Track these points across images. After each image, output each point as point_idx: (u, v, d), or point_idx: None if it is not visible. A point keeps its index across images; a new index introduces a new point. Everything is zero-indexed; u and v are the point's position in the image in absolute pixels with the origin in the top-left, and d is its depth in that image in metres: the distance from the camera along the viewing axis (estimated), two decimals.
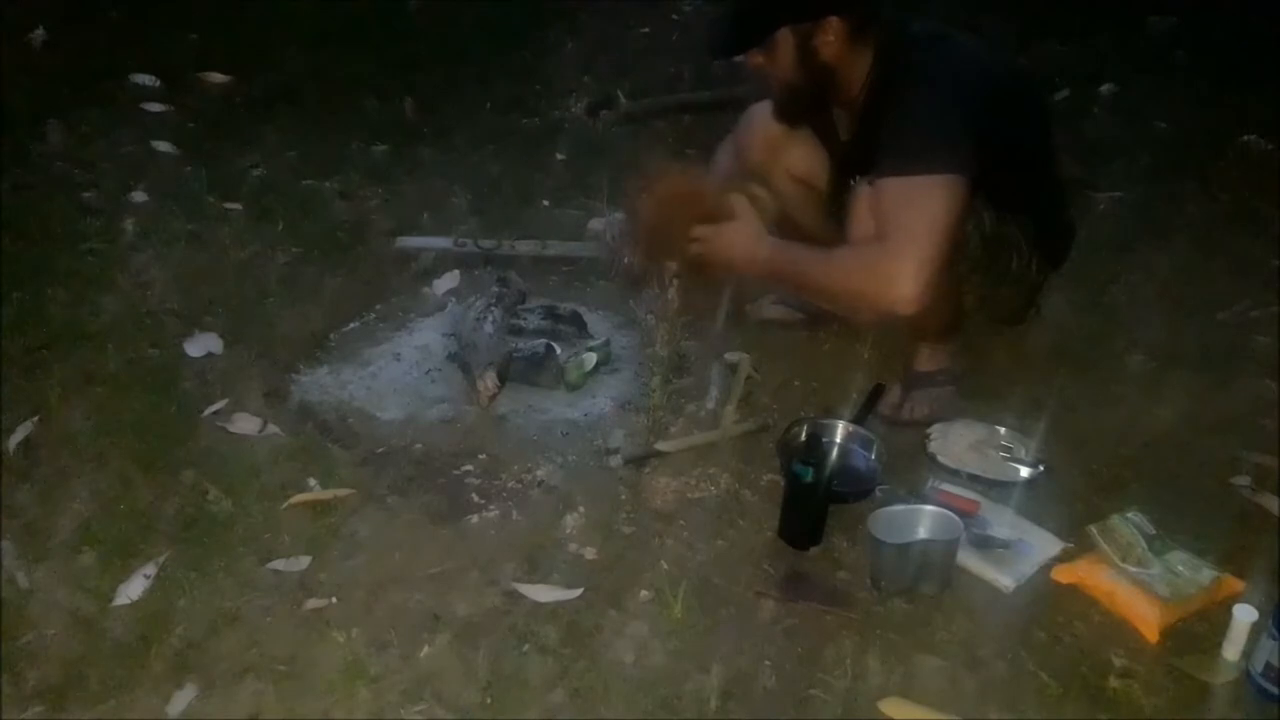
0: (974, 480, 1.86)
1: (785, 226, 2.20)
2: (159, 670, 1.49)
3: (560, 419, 2.03)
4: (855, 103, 1.85)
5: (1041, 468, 1.89)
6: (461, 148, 3.11)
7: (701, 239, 1.92)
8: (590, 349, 2.17)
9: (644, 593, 1.63)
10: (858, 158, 1.87)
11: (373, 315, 2.34)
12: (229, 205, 2.72)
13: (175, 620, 1.56)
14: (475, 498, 1.82)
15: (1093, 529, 1.71)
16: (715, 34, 1.89)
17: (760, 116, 2.02)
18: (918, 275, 1.65)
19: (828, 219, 2.09)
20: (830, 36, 1.76)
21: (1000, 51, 1.85)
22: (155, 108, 3.21)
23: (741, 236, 1.90)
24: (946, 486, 1.83)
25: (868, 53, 1.79)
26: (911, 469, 1.90)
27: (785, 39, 1.77)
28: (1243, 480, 1.88)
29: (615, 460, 1.90)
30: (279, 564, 1.66)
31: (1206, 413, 2.04)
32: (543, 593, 1.62)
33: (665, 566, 1.68)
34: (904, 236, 1.67)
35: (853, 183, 1.91)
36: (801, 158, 2.02)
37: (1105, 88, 3.50)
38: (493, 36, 3.81)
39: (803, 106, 1.91)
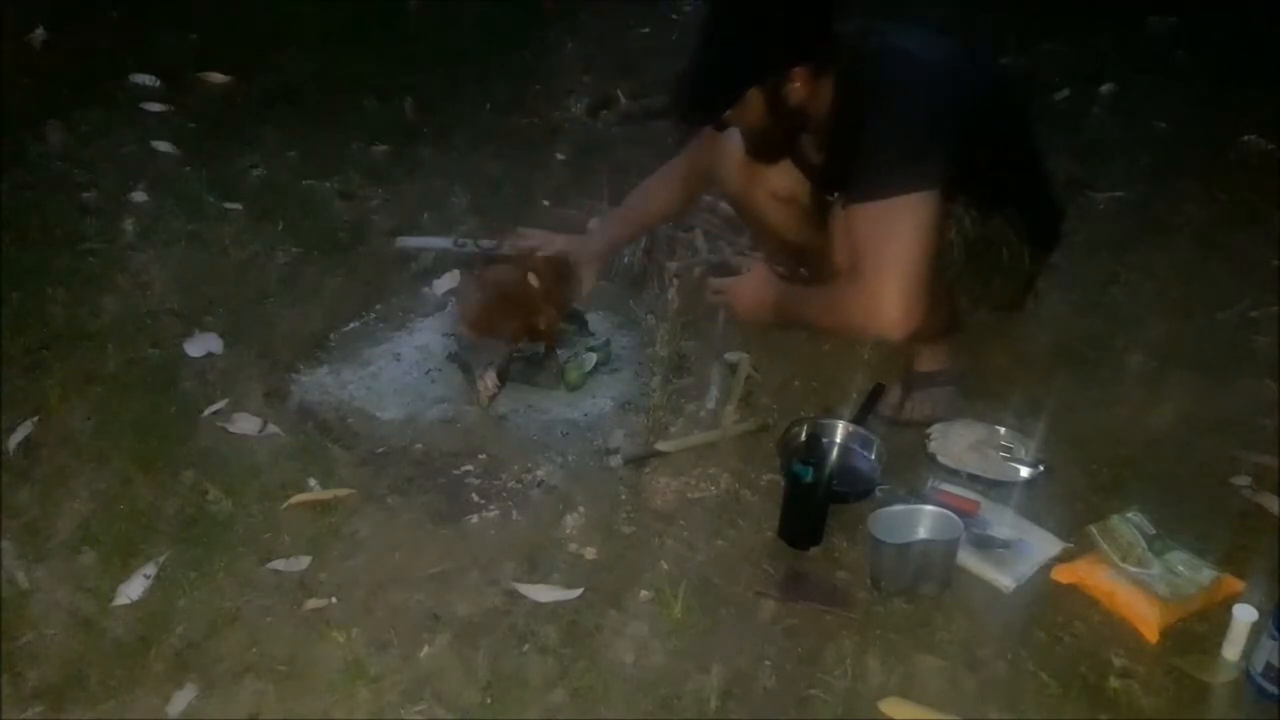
0: (974, 480, 1.86)
1: (778, 246, 2.20)
2: (159, 670, 1.49)
3: (560, 419, 2.03)
4: (822, 128, 1.84)
5: (1041, 468, 1.89)
6: (461, 148, 3.10)
7: (720, 291, 2.04)
8: (590, 349, 2.17)
9: (644, 593, 1.63)
10: (833, 177, 1.88)
11: (373, 315, 2.34)
12: (229, 205, 2.71)
13: (175, 620, 1.56)
14: (475, 498, 1.82)
15: (1093, 529, 1.71)
16: (682, 101, 1.89)
17: (734, 145, 1.98)
18: (901, 301, 1.67)
19: (818, 233, 2.09)
20: (797, 83, 1.75)
21: (959, 44, 1.83)
22: (155, 108, 3.20)
23: (751, 287, 1.98)
24: (946, 486, 1.83)
25: (830, 80, 1.78)
26: (911, 469, 1.90)
27: (754, 95, 1.76)
28: (1243, 480, 1.88)
29: (615, 460, 1.90)
30: (279, 564, 1.67)
31: (1206, 413, 2.04)
32: (543, 593, 1.62)
33: (665, 566, 1.68)
34: (881, 266, 1.69)
35: (830, 199, 1.92)
36: (781, 177, 2.00)
37: (1105, 88, 3.49)
38: (493, 36, 3.80)
39: (776, 147, 1.90)
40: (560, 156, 3.08)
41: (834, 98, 1.78)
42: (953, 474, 1.87)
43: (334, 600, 1.61)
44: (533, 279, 2.06)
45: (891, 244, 1.69)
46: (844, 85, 1.77)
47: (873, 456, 1.89)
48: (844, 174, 1.77)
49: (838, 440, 1.90)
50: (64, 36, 3.57)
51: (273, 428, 1.97)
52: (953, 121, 1.71)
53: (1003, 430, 1.96)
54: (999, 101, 1.88)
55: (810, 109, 1.79)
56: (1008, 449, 1.93)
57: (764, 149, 1.90)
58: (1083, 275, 2.42)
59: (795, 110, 1.78)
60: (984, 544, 1.70)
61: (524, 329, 2.08)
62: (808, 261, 2.21)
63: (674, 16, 4.04)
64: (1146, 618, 1.58)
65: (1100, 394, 2.10)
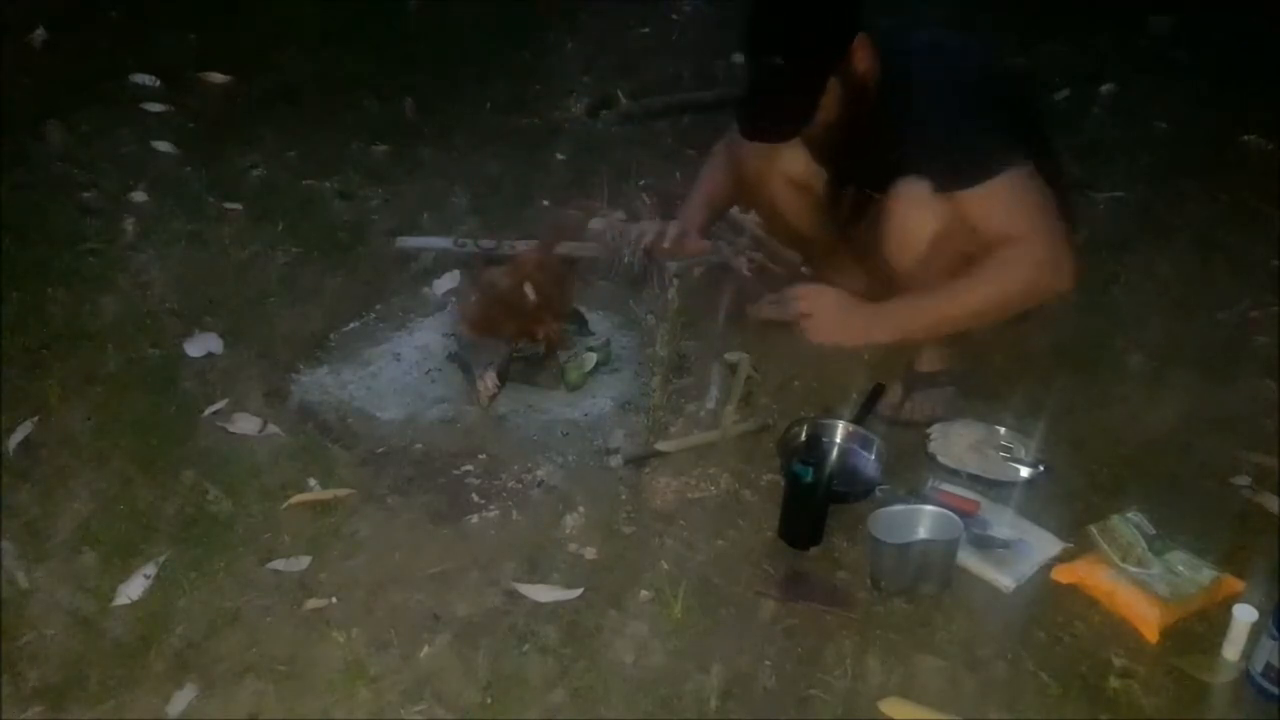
0: (974, 480, 1.86)
1: (783, 232, 2.20)
2: (159, 670, 1.49)
3: (560, 419, 2.03)
4: (853, 122, 1.83)
5: (1041, 468, 1.89)
6: (461, 148, 3.10)
7: (806, 331, 1.90)
8: (590, 349, 2.17)
9: (644, 593, 1.63)
10: (869, 164, 1.88)
11: (373, 315, 2.34)
12: (229, 205, 2.71)
13: (175, 620, 1.56)
14: (475, 498, 1.82)
15: (1093, 529, 1.71)
16: (767, 121, 1.84)
17: None
18: (1065, 250, 1.77)
19: (826, 221, 2.09)
20: (862, 52, 1.76)
21: (986, 48, 1.89)
22: (155, 108, 3.20)
23: (831, 314, 1.89)
24: (946, 486, 1.83)
25: (868, 74, 1.80)
26: (911, 469, 1.90)
27: (833, 86, 1.77)
28: (1243, 480, 1.89)
29: (615, 460, 1.90)
30: (279, 564, 1.67)
31: (1206, 413, 2.04)
32: (543, 592, 1.62)
33: (665, 566, 1.68)
34: (1028, 230, 1.74)
35: (846, 192, 1.92)
36: (796, 161, 2.01)
37: (1105, 88, 3.49)
38: (493, 36, 3.80)
39: (842, 138, 1.86)
40: (560, 156, 3.08)
41: (879, 82, 1.79)
42: (953, 474, 1.87)
43: (334, 600, 1.61)
44: (529, 289, 2.06)
45: (1024, 212, 1.75)
46: (891, 70, 1.78)
47: (873, 456, 1.89)
48: (880, 161, 1.79)
49: (838, 440, 1.90)
50: (64, 36, 3.57)
51: (273, 428, 1.97)
52: (1005, 111, 1.79)
53: (1003, 430, 1.96)
54: (1024, 98, 1.95)
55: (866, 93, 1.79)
56: (1008, 449, 1.92)
57: (831, 144, 1.88)
58: (1083, 275, 2.42)
59: (863, 89, 1.78)
60: (984, 544, 1.70)
61: (524, 329, 2.09)
62: (811, 253, 2.21)
63: (674, 16, 4.05)
64: (1146, 618, 1.58)
65: (1100, 394, 2.10)
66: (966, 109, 1.76)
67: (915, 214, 1.80)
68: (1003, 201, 1.75)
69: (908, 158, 1.78)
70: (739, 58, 3.50)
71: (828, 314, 1.89)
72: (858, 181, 1.98)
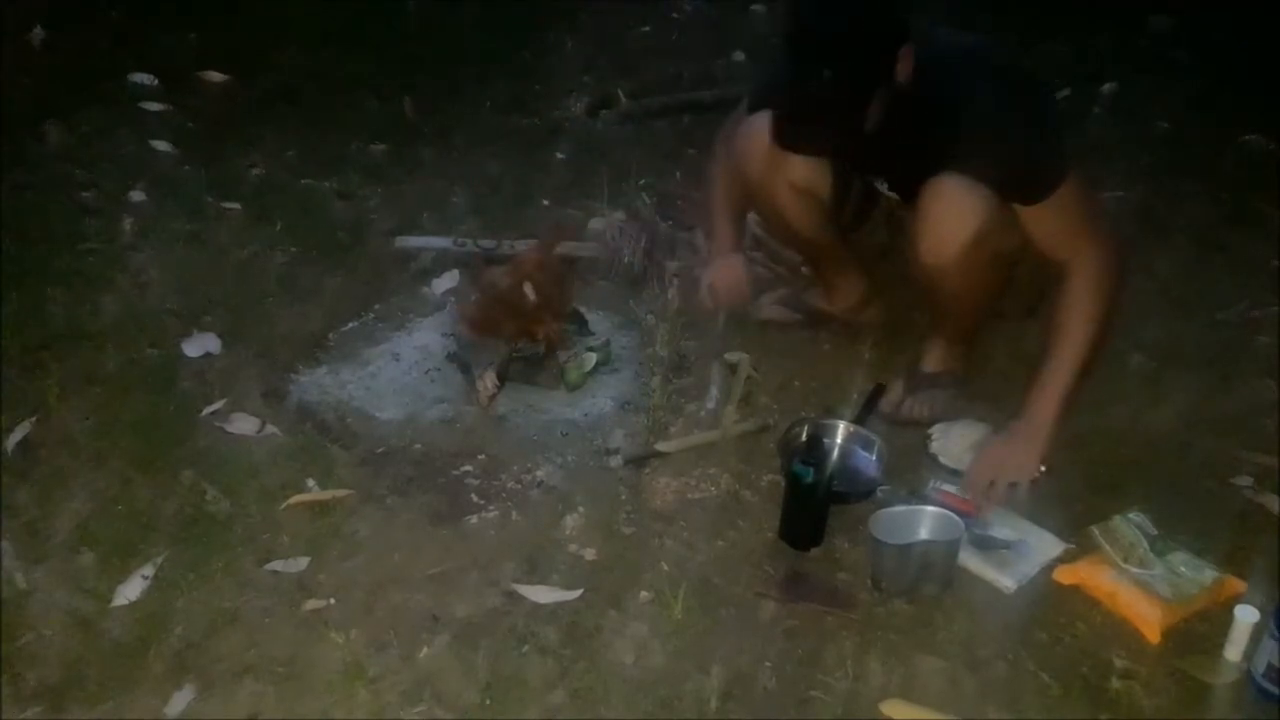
0: None
1: (785, 235, 2.19)
2: (158, 671, 1.49)
3: (560, 419, 2.03)
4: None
5: (1042, 468, 1.88)
6: (461, 148, 3.10)
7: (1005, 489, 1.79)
8: (590, 349, 2.16)
9: (644, 593, 1.63)
10: (904, 165, 1.87)
11: (372, 315, 2.34)
12: (228, 205, 2.71)
13: (174, 621, 1.56)
14: (475, 498, 1.82)
15: (1094, 529, 1.71)
16: (811, 133, 1.74)
17: (758, 129, 1.94)
18: (1115, 251, 1.80)
19: (829, 227, 2.08)
20: (906, 62, 1.69)
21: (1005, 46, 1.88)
22: (155, 107, 3.19)
23: (1017, 456, 1.80)
24: (947, 487, 1.83)
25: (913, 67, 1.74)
26: (912, 470, 1.89)
27: (879, 97, 1.70)
28: (1244, 480, 1.88)
29: (615, 460, 1.90)
30: (278, 564, 1.67)
31: (1207, 413, 2.04)
32: (542, 593, 1.62)
33: (665, 567, 1.68)
34: (1099, 232, 1.79)
35: (879, 184, 1.93)
36: (802, 167, 1.98)
37: (1105, 88, 3.49)
38: (493, 36, 3.80)
39: (877, 141, 1.78)
40: (560, 156, 3.08)
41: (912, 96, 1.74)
42: (954, 475, 1.87)
43: (333, 601, 1.61)
44: (529, 289, 2.06)
45: (1089, 217, 1.79)
46: (928, 70, 1.73)
47: (874, 457, 1.88)
48: (915, 168, 1.79)
49: (838, 441, 1.90)
50: (64, 36, 3.56)
51: (271, 428, 1.96)
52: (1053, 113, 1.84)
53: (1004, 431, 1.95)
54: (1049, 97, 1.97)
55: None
56: None
57: (862, 144, 1.80)
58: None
59: (902, 94, 1.71)
60: (985, 545, 1.70)
61: (524, 329, 2.09)
62: (813, 259, 2.20)
63: (674, 16, 4.04)
64: (1148, 618, 1.57)
65: (1100, 394, 2.09)
66: (1031, 120, 1.76)
67: (955, 211, 1.77)
68: (1071, 210, 1.76)
69: (965, 166, 1.75)
70: (739, 56, 3.58)
71: (1007, 470, 1.79)
72: (888, 181, 1.96)
